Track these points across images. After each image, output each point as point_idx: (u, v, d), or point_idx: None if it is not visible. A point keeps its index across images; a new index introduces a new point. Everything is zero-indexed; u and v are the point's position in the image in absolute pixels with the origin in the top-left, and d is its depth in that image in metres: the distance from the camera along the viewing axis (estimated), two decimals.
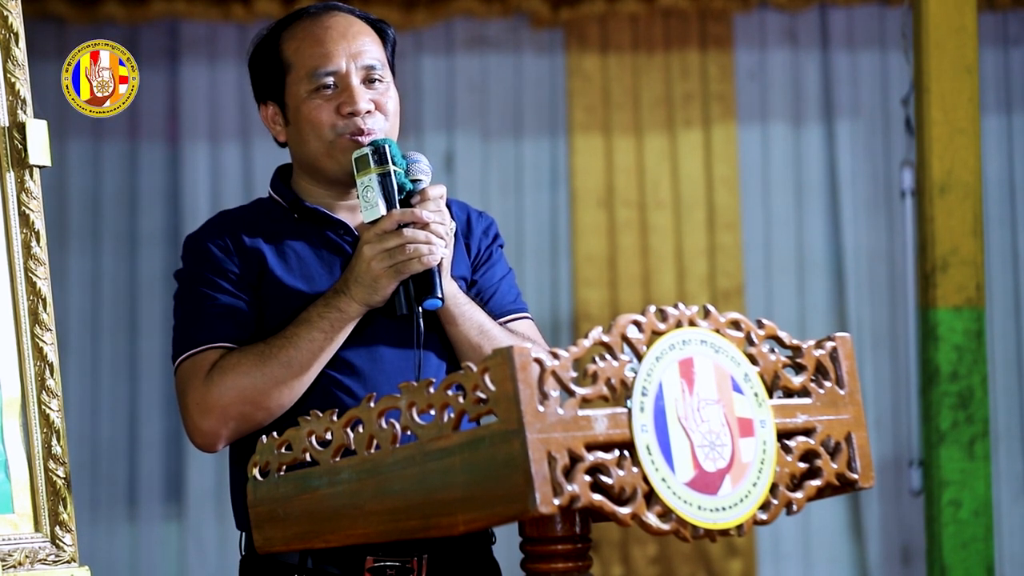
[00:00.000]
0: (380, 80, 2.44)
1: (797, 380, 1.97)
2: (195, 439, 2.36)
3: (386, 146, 2.34)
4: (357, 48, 2.43)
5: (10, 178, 2.22)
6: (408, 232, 2.30)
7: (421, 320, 2.34)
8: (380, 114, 2.42)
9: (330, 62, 2.42)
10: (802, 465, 1.94)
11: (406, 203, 2.34)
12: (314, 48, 2.43)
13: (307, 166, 2.47)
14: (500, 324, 2.45)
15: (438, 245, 2.31)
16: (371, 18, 2.50)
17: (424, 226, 2.31)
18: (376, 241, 2.30)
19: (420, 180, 2.36)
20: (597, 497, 1.76)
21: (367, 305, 2.34)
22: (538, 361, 1.77)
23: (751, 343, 1.94)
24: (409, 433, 1.87)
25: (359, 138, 2.40)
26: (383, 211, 2.32)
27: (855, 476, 1.98)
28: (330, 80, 2.42)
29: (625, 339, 1.84)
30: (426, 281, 2.32)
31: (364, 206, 2.34)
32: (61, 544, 2.16)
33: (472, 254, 2.52)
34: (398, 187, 2.33)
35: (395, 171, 2.34)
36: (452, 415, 1.82)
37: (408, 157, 2.37)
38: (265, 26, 2.53)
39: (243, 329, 2.38)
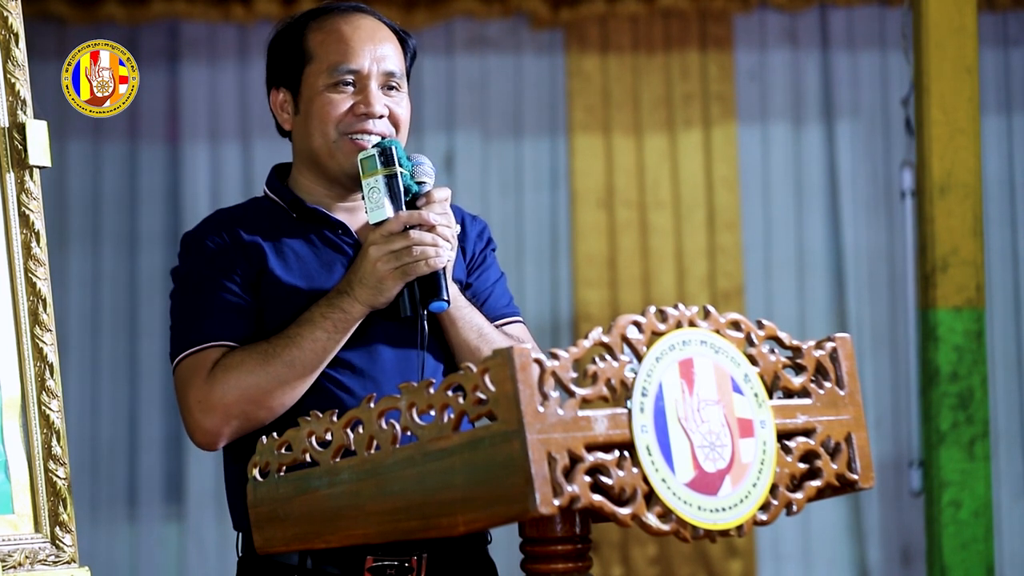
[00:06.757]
0: (397, 88, 2.46)
1: (797, 381, 1.97)
2: (196, 437, 2.36)
3: (392, 148, 2.34)
4: (381, 53, 2.45)
5: (10, 178, 2.21)
6: (414, 234, 2.30)
7: (426, 322, 2.35)
8: (390, 121, 2.44)
9: (353, 60, 2.43)
10: (802, 466, 1.94)
11: (411, 205, 2.34)
12: (340, 44, 2.44)
13: (308, 160, 2.48)
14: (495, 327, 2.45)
15: (444, 248, 2.32)
16: (395, 27, 2.52)
17: (430, 228, 2.31)
18: (382, 242, 2.31)
19: (425, 182, 2.37)
20: (597, 498, 1.76)
21: (371, 306, 2.34)
22: (538, 362, 1.77)
23: (751, 344, 1.94)
24: (409, 434, 1.87)
25: (362, 140, 2.41)
26: (389, 213, 2.32)
27: (855, 477, 1.98)
28: (350, 78, 2.43)
29: (625, 340, 1.84)
30: (432, 284, 2.32)
31: (369, 207, 2.34)
32: (61, 545, 2.16)
33: (467, 257, 2.53)
34: (404, 189, 2.34)
35: (401, 173, 2.34)
36: (452, 416, 1.82)
37: (413, 159, 2.37)
38: (289, 15, 2.55)
39: (243, 328, 2.38)
